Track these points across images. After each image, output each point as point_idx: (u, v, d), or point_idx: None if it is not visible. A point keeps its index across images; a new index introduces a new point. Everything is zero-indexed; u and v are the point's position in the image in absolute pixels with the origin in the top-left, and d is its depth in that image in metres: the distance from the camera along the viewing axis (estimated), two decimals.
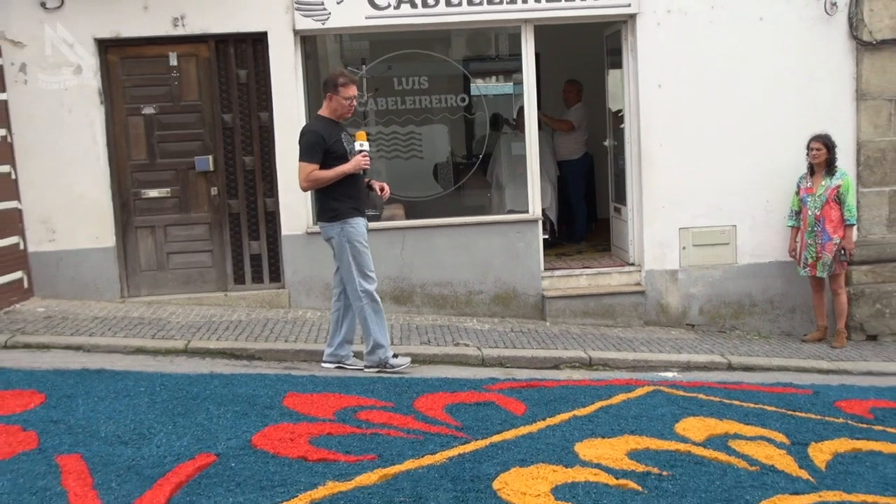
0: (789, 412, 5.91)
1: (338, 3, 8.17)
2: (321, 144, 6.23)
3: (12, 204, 8.04)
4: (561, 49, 10.52)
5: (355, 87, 6.39)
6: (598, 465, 4.60)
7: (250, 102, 8.44)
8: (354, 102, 6.41)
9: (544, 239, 10.01)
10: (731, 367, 7.49)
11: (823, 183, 8.20)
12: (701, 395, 6.23)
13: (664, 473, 4.55)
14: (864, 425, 5.69)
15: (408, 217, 8.86)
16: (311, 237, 8.40)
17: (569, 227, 10.85)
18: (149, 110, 8.35)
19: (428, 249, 8.54)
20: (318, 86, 8.80)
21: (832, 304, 8.44)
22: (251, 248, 8.57)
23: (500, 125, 10.53)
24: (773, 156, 8.57)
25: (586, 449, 4.86)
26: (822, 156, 8.17)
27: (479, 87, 10.78)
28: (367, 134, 6.55)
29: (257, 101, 8.43)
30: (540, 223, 8.81)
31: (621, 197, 9.17)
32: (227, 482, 4.09)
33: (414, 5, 8.23)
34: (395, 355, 6.70)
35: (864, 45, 8.57)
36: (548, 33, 9.28)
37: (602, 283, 8.85)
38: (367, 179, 6.57)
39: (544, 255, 9.13)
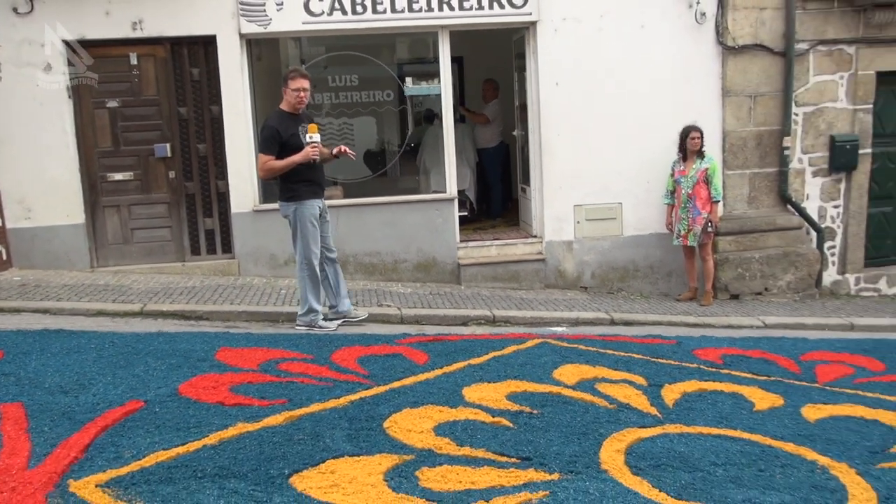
0: (653, 359, 5.90)
1: (277, 10, 7.97)
2: (276, 138, 6.11)
3: None
4: (483, 52, 10.38)
5: (304, 80, 6.20)
6: (479, 406, 4.56)
7: (203, 97, 8.21)
8: (303, 94, 6.20)
9: (464, 215, 9.99)
10: (613, 322, 7.46)
11: (695, 166, 8.22)
12: (581, 346, 6.21)
13: (535, 412, 4.52)
14: (714, 369, 5.71)
15: (344, 197, 8.70)
16: (257, 214, 8.26)
17: (488, 206, 10.81)
18: (113, 104, 8.07)
19: (360, 224, 8.41)
20: (264, 83, 8.64)
21: (702, 268, 8.47)
22: (205, 224, 8.37)
23: (432, 118, 10.41)
24: (653, 143, 8.55)
25: (472, 392, 4.80)
26: (700, 142, 8.19)
27: (408, 87, 10.63)
28: (319, 126, 6.42)
29: (209, 96, 8.19)
30: (455, 202, 8.70)
31: (526, 179, 9.11)
32: (148, 425, 3.99)
33: (344, 12, 8.05)
34: (326, 318, 6.61)
35: (729, 50, 8.57)
36: (471, 39, 9.16)
37: (509, 252, 8.79)
38: (332, 150, 6.43)
39: (465, 229, 9.12)
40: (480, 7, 8.22)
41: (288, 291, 7.71)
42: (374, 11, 8.09)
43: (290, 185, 6.27)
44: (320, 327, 6.45)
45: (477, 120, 10.41)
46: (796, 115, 8.82)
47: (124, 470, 3.44)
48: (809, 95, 8.82)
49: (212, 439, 3.82)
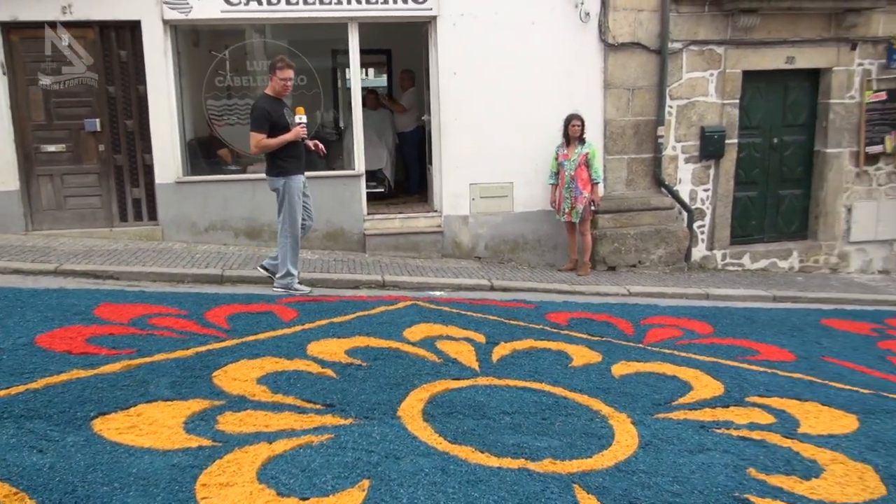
0: (506, 320, 5.79)
1: None
2: (267, 118, 6.01)
3: None
4: (408, 44, 10.12)
5: (290, 70, 6.10)
6: (314, 359, 4.43)
7: (130, 77, 7.93)
8: (289, 83, 6.13)
9: (382, 192, 9.84)
10: (492, 288, 7.34)
11: (577, 151, 8.10)
12: (446, 308, 6.08)
13: (364, 364, 4.40)
14: (555, 330, 5.61)
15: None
16: (180, 185, 8.04)
17: (407, 184, 10.64)
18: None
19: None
20: (188, 65, 8.37)
21: (581, 242, 8.38)
22: (133, 194, 8.13)
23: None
24: (541, 130, 8.38)
25: (316, 346, 4.67)
26: (580, 130, 8.06)
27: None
28: (304, 109, 6.29)
29: (135, 77, 7.92)
30: (363, 178, 8.50)
31: (431, 159, 8.95)
32: None
33: (260, 2, 7.79)
34: (300, 283, 6.52)
35: (610, 47, 8.42)
36: (397, 32, 8.93)
37: (412, 224, 8.64)
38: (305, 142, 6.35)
39: (379, 203, 8.94)
40: (386, 1, 8.00)
41: (203, 256, 7.52)
42: (288, 2, 7.84)
43: (279, 161, 6.19)
44: (295, 289, 6.36)
45: (395, 108, 10.22)
46: (670, 107, 8.71)
47: None
48: (682, 90, 8.71)
49: (38, 384, 3.66)
